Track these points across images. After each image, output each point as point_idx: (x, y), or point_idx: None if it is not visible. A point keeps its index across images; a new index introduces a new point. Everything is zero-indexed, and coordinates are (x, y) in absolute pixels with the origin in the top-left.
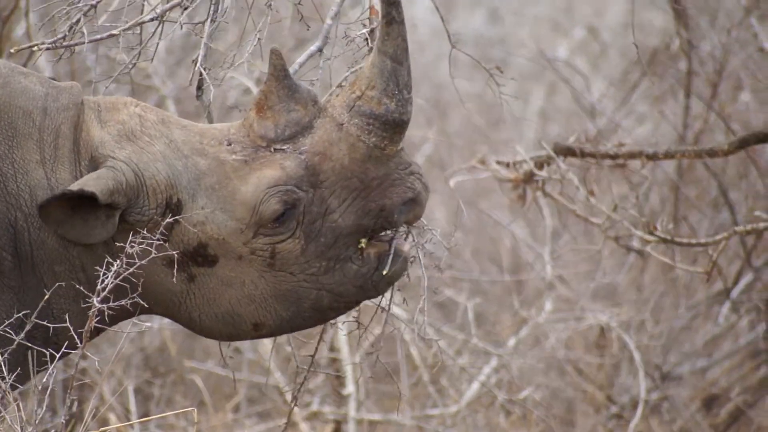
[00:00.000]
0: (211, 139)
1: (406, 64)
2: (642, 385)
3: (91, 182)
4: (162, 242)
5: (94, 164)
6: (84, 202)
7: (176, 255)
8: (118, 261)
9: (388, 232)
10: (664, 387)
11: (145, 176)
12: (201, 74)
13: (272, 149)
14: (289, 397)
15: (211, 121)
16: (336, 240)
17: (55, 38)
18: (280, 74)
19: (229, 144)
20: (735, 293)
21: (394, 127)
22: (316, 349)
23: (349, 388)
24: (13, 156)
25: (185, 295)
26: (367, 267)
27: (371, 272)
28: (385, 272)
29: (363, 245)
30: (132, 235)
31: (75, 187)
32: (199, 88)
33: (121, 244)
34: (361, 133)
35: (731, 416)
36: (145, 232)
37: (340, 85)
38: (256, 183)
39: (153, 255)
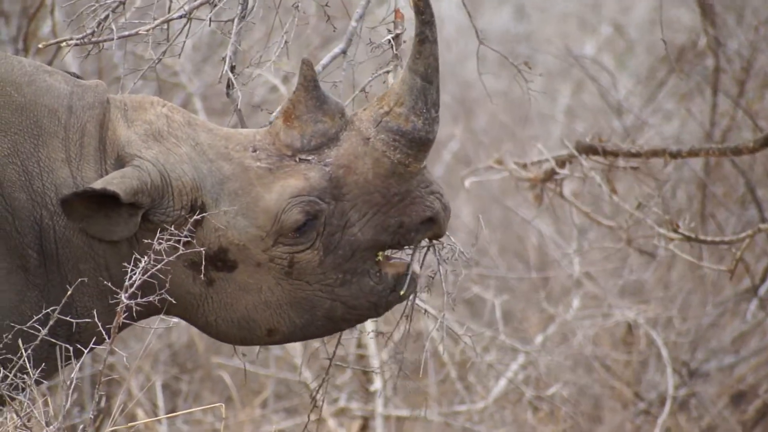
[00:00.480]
0: (237, 145)
1: (435, 83)
2: (669, 381)
3: (116, 181)
4: (187, 241)
5: (120, 163)
6: (107, 199)
7: (203, 251)
8: (146, 258)
9: (407, 249)
10: (691, 383)
11: (171, 177)
12: (229, 73)
13: (297, 159)
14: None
15: (240, 119)
16: (353, 254)
17: (83, 34)
18: (309, 85)
19: (255, 151)
20: (762, 290)
21: (420, 145)
22: (337, 345)
23: (377, 385)
24: (38, 154)
25: (203, 298)
26: (383, 286)
27: (387, 291)
28: (402, 293)
29: (380, 258)
30: (159, 232)
31: (98, 185)
32: (229, 86)
33: (148, 242)
34: (386, 149)
35: (759, 413)
36: (172, 228)
37: (363, 90)
38: (280, 192)
39: (180, 251)
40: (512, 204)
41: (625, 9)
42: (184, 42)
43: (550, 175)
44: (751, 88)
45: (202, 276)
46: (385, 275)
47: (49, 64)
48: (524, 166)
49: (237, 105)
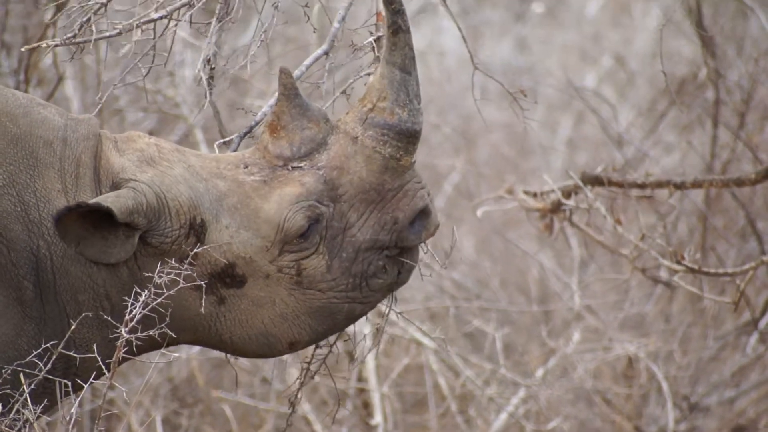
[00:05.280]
0: (228, 164)
1: (414, 73)
2: (670, 415)
3: (110, 199)
4: (189, 268)
5: (116, 189)
6: (104, 220)
7: (204, 285)
8: (146, 291)
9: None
10: (692, 417)
11: (167, 197)
12: (203, 74)
13: (290, 167)
14: (318, 427)
15: (220, 122)
16: (356, 255)
17: (65, 36)
18: (290, 93)
19: (246, 167)
20: (763, 323)
21: (408, 136)
22: (315, 350)
23: (377, 419)
24: (35, 185)
25: (215, 318)
26: (390, 276)
27: (394, 279)
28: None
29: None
30: (160, 265)
31: (92, 201)
32: (209, 86)
33: (148, 274)
34: (376, 144)
35: None
36: (172, 261)
37: (344, 92)
38: (279, 201)
39: (181, 285)
40: (514, 236)
41: (625, 41)
42: (170, 48)
43: (557, 206)
44: (751, 119)
45: (203, 302)
46: (390, 268)
47: (50, 95)
48: (534, 196)
49: (210, 106)
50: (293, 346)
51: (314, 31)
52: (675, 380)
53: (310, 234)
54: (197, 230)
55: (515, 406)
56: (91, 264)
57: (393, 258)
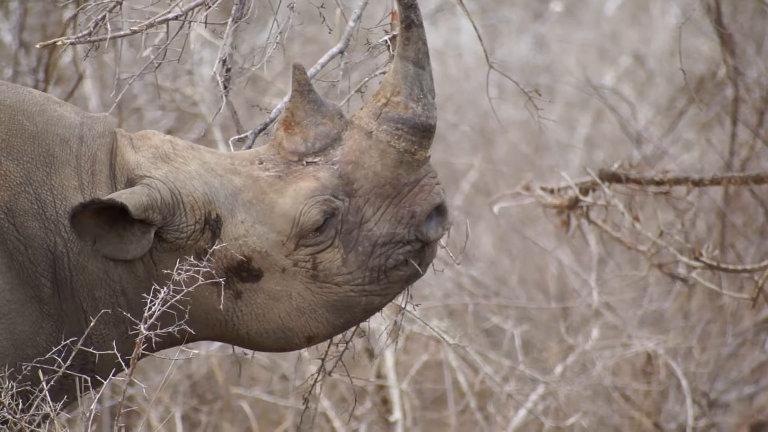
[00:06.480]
0: (242, 160)
1: (428, 68)
2: (689, 412)
3: (125, 195)
4: (207, 264)
5: (131, 185)
6: (119, 217)
7: (222, 281)
8: (165, 288)
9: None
10: (711, 414)
11: (182, 193)
12: (218, 76)
13: (304, 162)
14: (337, 423)
15: (237, 122)
16: (373, 249)
17: (80, 34)
18: (304, 89)
19: (261, 163)
20: None
21: (423, 130)
22: (329, 346)
23: (396, 415)
24: (51, 182)
25: (232, 312)
26: (411, 268)
27: (415, 271)
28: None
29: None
30: (178, 261)
31: (107, 197)
32: (226, 87)
33: (165, 270)
34: (390, 138)
35: None
36: (189, 258)
37: (359, 90)
38: (294, 195)
39: (200, 282)
40: (532, 234)
41: (644, 39)
42: (183, 45)
43: (575, 203)
44: None
45: (222, 296)
46: (409, 259)
47: (70, 94)
48: (551, 192)
49: (227, 106)
50: (311, 340)
51: (329, 32)
52: (694, 377)
53: (326, 228)
54: (212, 225)
55: (534, 402)
56: (108, 260)
57: (415, 252)
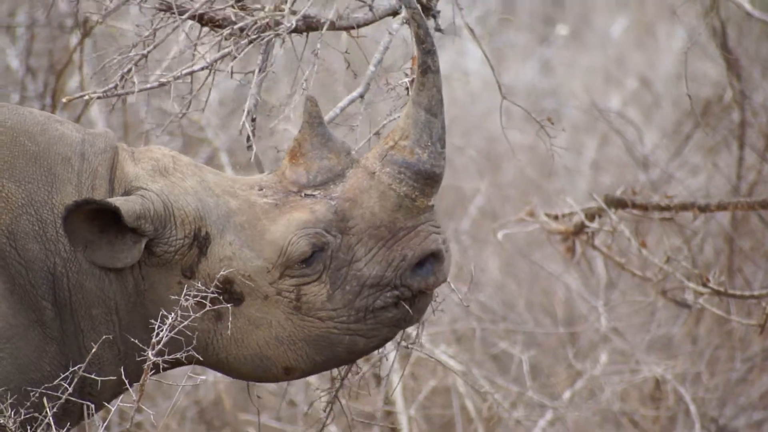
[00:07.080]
0: (243, 184)
1: (440, 117)
2: None
3: (119, 201)
4: (188, 279)
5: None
6: (112, 224)
7: (229, 308)
8: (172, 314)
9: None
10: None
11: (174, 207)
12: (247, 126)
13: (303, 194)
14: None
15: (261, 171)
16: (361, 290)
17: (107, 87)
18: (314, 122)
19: (261, 189)
20: None
21: (426, 178)
22: (348, 369)
23: None
24: (52, 201)
25: (213, 334)
26: (402, 311)
27: (407, 314)
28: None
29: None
30: (185, 288)
31: (101, 199)
32: (249, 138)
33: (151, 286)
34: (392, 181)
35: None
36: (174, 273)
37: (377, 133)
38: (286, 224)
39: (208, 308)
40: (539, 258)
41: (650, 63)
42: (209, 94)
43: (580, 228)
44: None
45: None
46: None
47: (77, 119)
48: (555, 218)
49: (255, 157)
50: (289, 372)
51: (355, 77)
52: (703, 402)
53: (313, 261)
54: (201, 242)
55: (542, 428)
56: (104, 277)
57: (406, 297)
